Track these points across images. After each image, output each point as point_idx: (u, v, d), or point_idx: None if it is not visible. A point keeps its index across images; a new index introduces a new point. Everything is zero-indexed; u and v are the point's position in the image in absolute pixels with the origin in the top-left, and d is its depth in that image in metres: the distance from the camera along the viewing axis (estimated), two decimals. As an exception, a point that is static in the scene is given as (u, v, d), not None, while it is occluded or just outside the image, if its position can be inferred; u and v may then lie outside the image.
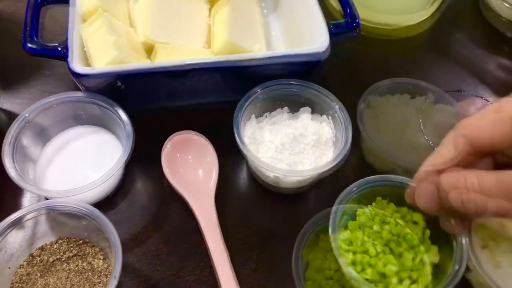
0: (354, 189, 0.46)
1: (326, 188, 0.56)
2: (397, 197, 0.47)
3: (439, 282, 0.44)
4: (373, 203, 0.47)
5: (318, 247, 0.48)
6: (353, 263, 0.44)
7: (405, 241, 0.45)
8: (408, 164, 0.50)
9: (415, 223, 0.47)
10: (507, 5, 0.70)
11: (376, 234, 0.45)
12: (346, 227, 0.46)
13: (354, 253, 0.44)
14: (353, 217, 0.47)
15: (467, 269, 0.46)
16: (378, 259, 0.44)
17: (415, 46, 0.70)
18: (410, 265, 0.44)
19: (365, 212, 0.46)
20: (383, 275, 0.43)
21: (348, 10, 0.57)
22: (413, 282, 0.44)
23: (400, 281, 0.43)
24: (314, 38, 0.55)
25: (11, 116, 0.57)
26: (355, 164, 0.57)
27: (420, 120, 0.52)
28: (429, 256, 0.45)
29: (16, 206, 0.52)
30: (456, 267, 0.43)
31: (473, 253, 0.44)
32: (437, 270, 0.45)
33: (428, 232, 0.46)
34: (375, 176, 0.47)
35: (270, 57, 0.53)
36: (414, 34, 0.71)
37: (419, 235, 0.45)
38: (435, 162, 0.40)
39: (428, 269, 0.45)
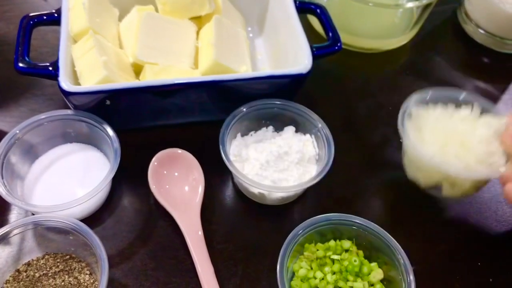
0: (302, 230, 0.48)
1: (310, 198, 0.57)
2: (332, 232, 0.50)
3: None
4: (304, 253, 0.49)
5: (303, 256, 0.49)
6: None
7: (349, 272, 0.47)
8: (457, 173, 0.49)
9: (347, 250, 0.49)
10: (481, 31, 0.74)
11: (322, 281, 0.47)
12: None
13: None
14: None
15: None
16: None
17: (395, 69, 0.72)
18: None
19: (301, 266, 0.48)
20: None
21: (331, 34, 0.60)
22: None
23: None
24: (298, 60, 0.57)
25: (0, 134, 0.58)
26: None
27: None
28: (375, 275, 0.47)
29: (3, 223, 0.52)
30: (410, 277, 0.46)
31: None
32: (386, 281, 0.48)
33: (361, 252, 0.49)
34: (316, 217, 0.49)
35: (255, 78, 0.55)
36: (394, 57, 0.74)
37: (357, 261, 0.48)
38: None
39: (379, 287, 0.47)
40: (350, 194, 0.58)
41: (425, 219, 0.57)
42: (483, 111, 0.53)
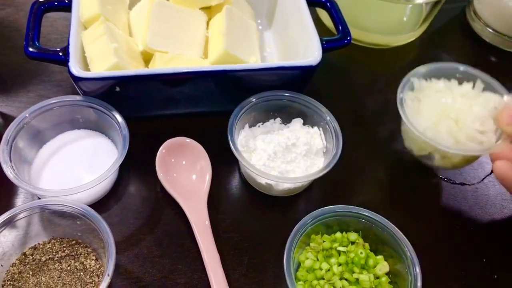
0: (309, 220, 0.48)
1: (317, 190, 0.57)
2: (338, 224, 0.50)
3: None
4: (310, 244, 0.49)
5: (309, 247, 0.49)
6: None
7: (354, 264, 0.47)
8: (445, 148, 0.51)
9: (353, 243, 0.49)
10: (490, 30, 0.74)
11: (328, 272, 0.47)
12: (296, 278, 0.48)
13: None
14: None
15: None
16: None
17: (403, 65, 0.72)
18: (369, 285, 0.46)
19: (307, 257, 0.48)
20: None
21: (341, 28, 0.60)
22: None
23: None
24: (308, 53, 0.58)
25: (8, 119, 0.58)
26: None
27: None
28: (380, 268, 0.47)
29: (10, 207, 0.52)
30: (417, 270, 0.46)
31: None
32: (392, 275, 0.48)
33: (367, 245, 0.49)
34: (324, 208, 0.49)
35: (265, 68, 0.55)
36: (402, 54, 0.74)
37: (363, 253, 0.48)
38: None
39: (385, 280, 0.47)
40: (356, 187, 0.58)
41: (433, 214, 0.57)
42: (486, 88, 0.55)
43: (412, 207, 0.57)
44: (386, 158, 0.61)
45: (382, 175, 0.60)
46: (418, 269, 0.46)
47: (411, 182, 0.59)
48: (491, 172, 0.60)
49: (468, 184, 0.60)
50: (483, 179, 0.60)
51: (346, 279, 0.47)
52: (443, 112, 0.52)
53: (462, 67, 0.56)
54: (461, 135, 0.51)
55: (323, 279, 0.47)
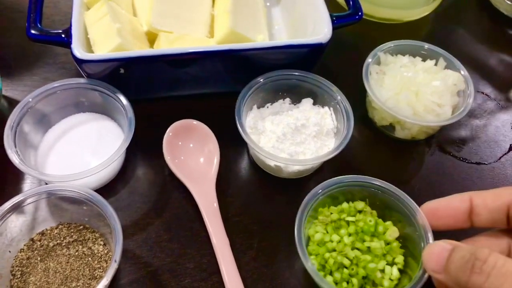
0: (320, 191, 0.47)
1: (327, 172, 0.56)
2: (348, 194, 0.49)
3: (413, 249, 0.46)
4: (318, 217, 0.48)
5: (317, 221, 0.48)
6: (337, 282, 0.45)
7: (364, 233, 0.46)
8: (403, 118, 0.53)
9: (360, 211, 0.48)
10: (508, 2, 0.71)
11: (339, 244, 0.46)
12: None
13: (331, 273, 0.45)
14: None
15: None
16: (356, 265, 0.45)
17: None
18: (381, 252, 0.45)
19: (317, 230, 0.47)
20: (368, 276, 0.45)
21: (351, 3, 0.58)
22: (393, 264, 0.46)
23: (382, 271, 0.45)
24: (317, 30, 0.56)
25: (13, 103, 0.58)
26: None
27: None
28: (391, 234, 0.47)
29: (17, 192, 0.51)
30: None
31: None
32: (402, 239, 0.47)
33: (375, 212, 0.48)
34: (333, 179, 0.48)
35: (273, 47, 0.53)
36: (416, 29, 0.71)
37: (372, 221, 0.47)
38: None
39: (396, 245, 0.46)
40: (369, 168, 0.57)
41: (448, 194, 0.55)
42: (447, 66, 0.58)
43: (426, 188, 0.55)
44: (399, 139, 0.59)
45: (395, 155, 0.58)
46: (430, 235, 0.44)
47: (425, 162, 0.58)
48: (509, 150, 0.59)
49: (484, 164, 0.58)
50: (500, 158, 0.58)
51: (358, 249, 0.46)
52: (404, 84, 0.55)
53: (427, 45, 0.59)
54: (419, 106, 0.54)
55: (335, 251, 0.46)
